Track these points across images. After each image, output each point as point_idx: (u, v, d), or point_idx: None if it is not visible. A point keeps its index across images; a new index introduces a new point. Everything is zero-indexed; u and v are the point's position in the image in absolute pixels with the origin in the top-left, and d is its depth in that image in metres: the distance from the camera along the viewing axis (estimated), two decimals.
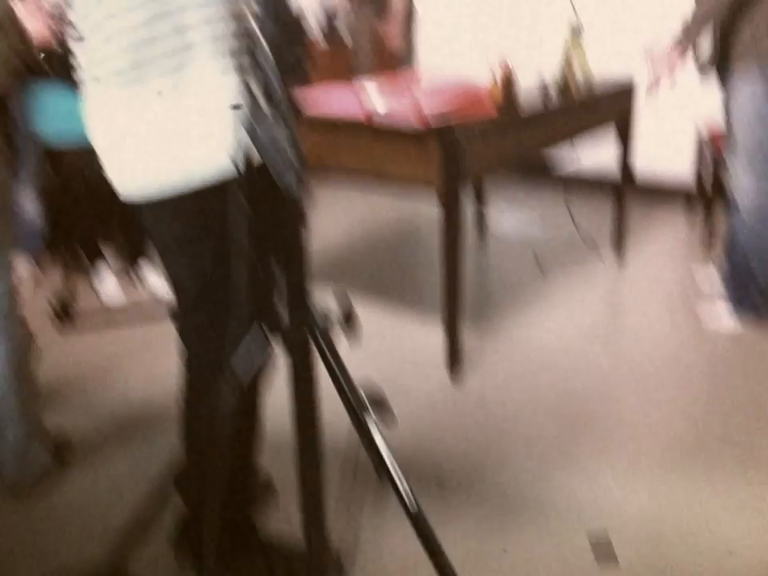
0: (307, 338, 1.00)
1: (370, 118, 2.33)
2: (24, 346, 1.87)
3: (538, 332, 2.76)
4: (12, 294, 1.80)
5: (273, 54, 0.86)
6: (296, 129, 0.85)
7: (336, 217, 4.26)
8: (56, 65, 2.69)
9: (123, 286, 3.17)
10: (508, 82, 2.55)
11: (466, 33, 4.65)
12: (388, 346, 2.67)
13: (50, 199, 3.17)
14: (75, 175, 2.90)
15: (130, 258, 3.16)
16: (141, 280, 3.18)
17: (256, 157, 0.93)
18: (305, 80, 0.90)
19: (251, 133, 0.88)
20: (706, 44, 2.60)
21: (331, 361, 1.00)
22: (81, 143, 2.78)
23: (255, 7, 0.88)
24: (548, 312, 2.93)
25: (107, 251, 3.24)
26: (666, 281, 3.24)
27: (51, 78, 2.72)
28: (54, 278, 3.24)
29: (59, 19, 2.65)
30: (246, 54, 0.88)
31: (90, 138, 1.18)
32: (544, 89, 2.71)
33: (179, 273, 1.21)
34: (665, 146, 4.15)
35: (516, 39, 4.34)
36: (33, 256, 3.22)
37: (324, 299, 1.09)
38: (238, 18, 1.07)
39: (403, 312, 2.97)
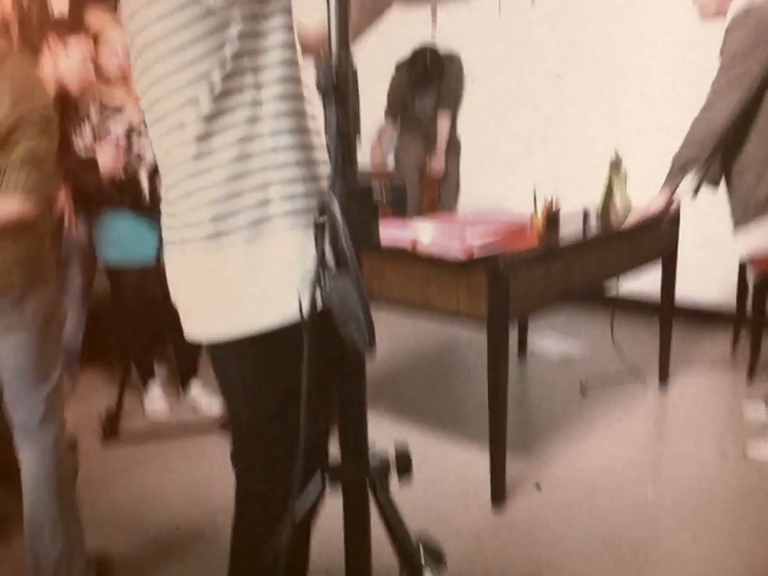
0: (363, 483, 1.02)
1: (414, 246, 2.41)
2: (67, 459, 1.91)
3: (581, 458, 2.72)
4: (60, 399, 1.87)
5: (344, 217, 0.93)
6: (365, 289, 0.91)
7: (379, 339, 4.32)
8: (124, 194, 2.85)
9: (169, 400, 3.23)
10: (550, 213, 2.64)
11: (508, 163, 4.82)
12: (431, 472, 2.64)
13: (107, 316, 3.29)
14: (134, 294, 3.01)
15: (182, 378, 3.22)
16: (188, 397, 3.22)
17: (322, 307, 0.98)
18: (374, 243, 0.97)
19: (322, 291, 0.94)
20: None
21: (386, 508, 1.02)
22: (141, 263, 2.93)
23: (329, 171, 0.96)
24: (591, 437, 2.89)
25: (158, 368, 3.32)
26: (709, 407, 3.19)
27: (118, 206, 2.89)
28: (93, 391, 3.32)
29: (128, 150, 2.84)
30: (319, 214, 0.96)
31: (170, 287, 1.27)
32: (585, 221, 2.78)
33: (240, 410, 1.25)
34: (708, 270, 4.17)
35: (558, 170, 4.49)
36: (68, 371, 3.26)
37: (375, 430, 1.12)
38: (313, 179, 1.16)
39: (446, 435, 2.96)
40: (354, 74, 0.93)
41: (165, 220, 1.22)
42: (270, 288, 1.15)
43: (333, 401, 1.21)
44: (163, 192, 1.21)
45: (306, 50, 1.20)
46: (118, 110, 2.86)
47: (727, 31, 2.54)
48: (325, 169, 1.17)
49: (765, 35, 2.45)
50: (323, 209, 0.95)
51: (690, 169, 2.64)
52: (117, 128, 2.84)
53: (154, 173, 2.83)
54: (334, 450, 1.16)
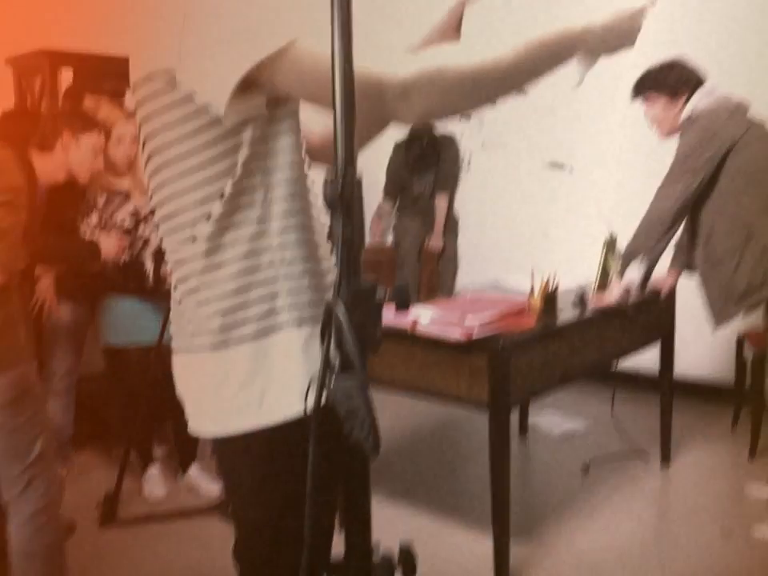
0: None
1: (414, 327, 2.44)
2: (52, 530, 1.92)
3: (585, 539, 2.69)
4: (44, 471, 1.89)
5: (350, 323, 0.96)
6: (370, 395, 0.94)
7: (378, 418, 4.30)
8: (127, 278, 2.90)
9: (168, 482, 3.19)
10: (548, 293, 2.67)
11: (506, 239, 4.89)
12: (432, 557, 2.59)
13: (105, 396, 3.28)
14: (136, 373, 3.02)
15: (182, 462, 3.20)
16: (187, 479, 3.19)
17: (328, 405, 1.00)
18: (378, 344, 1.00)
19: (328, 393, 0.97)
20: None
21: None
22: (144, 343, 2.95)
23: (335, 278, 0.99)
24: (594, 518, 2.86)
25: (157, 449, 3.29)
26: (712, 485, 3.17)
27: (121, 291, 2.93)
28: (90, 472, 3.29)
29: (133, 236, 2.90)
30: (325, 319, 0.99)
31: (176, 383, 1.29)
32: (583, 302, 2.82)
33: (243, 505, 1.25)
34: (707, 344, 4.17)
35: (555, 246, 4.56)
36: (61, 455, 3.16)
37: (375, 513, 1.12)
38: (320, 288, 1.20)
39: (447, 518, 2.93)
40: (359, 181, 0.98)
41: (174, 323, 1.26)
42: (275, 384, 1.17)
43: (337, 497, 1.22)
44: (173, 293, 1.24)
45: (311, 154, 1.26)
46: (125, 197, 2.93)
47: (679, 136, 2.82)
48: (330, 277, 1.21)
49: (704, 139, 2.71)
50: (329, 312, 0.99)
51: (634, 258, 2.79)
52: (123, 214, 2.90)
53: (158, 254, 2.87)
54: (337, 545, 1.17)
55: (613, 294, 2.80)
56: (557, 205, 4.67)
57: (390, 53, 1.06)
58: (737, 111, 2.77)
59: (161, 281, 2.88)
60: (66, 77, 3.80)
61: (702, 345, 4.18)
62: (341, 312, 0.97)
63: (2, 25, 3.78)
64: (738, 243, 2.68)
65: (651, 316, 3.13)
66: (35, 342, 2.83)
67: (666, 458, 3.38)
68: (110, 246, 2.77)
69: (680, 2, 3.99)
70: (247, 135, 1.12)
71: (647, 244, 2.74)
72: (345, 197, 0.93)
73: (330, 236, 1.17)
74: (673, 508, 3.04)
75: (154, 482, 3.14)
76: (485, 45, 1.04)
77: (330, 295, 1.15)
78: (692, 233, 2.88)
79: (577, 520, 2.86)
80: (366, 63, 1.01)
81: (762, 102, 3.02)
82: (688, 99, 2.81)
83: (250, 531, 1.27)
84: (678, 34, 3.90)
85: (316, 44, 1.04)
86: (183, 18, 1.07)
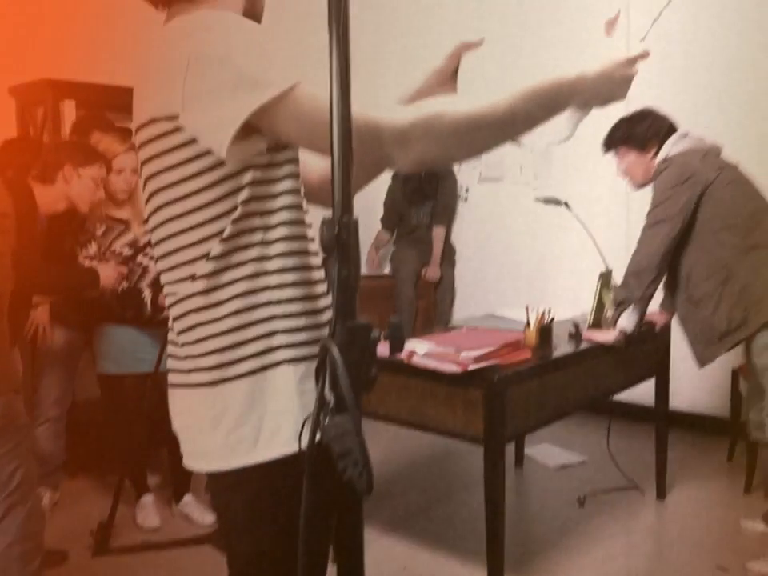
0: None
1: (410, 358, 2.44)
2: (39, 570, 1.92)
3: (579, 574, 2.67)
4: (21, 504, 1.89)
5: (345, 365, 0.97)
6: (363, 435, 0.95)
7: (372, 449, 4.28)
8: (125, 307, 2.91)
9: (161, 511, 3.18)
10: (543, 326, 2.69)
11: (503, 273, 4.91)
12: None
13: (99, 424, 3.27)
14: (132, 400, 3.01)
15: (175, 492, 3.19)
16: (180, 508, 3.18)
17: (321, 443, 1.01)
18: (372, 383, 1.01)
19: (321, 432, 0.98)
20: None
21: None
22: (140, 371, 2.95)
23: (332, 317, 1.01)
24: (589, 551, 2.85)
25: (151, 478, 3.28)
26: (708, 519, 3.16)
27: (119, 320, 2.94)
28: (83, 500, 3.28)
29: (132, 265, 2.91)
30: (320, 360, 1.00)
31: (171, 418, 1.30)
32: (577, 334, 2.83)
33: (237, 540, 1.25)
34: (703, 376, 4.16)
35: (550, 281, 4.58)
36: (50, 482, 3.18)
37: (368, 545, 1.12)
38: (316, 327, 1.21)
39: (441, 550, 2.91)
40: (355, 225, 0.99)
41: (170, 359, 1.27)
42: (270, 421, 1.18)
43: (330, 531, 1.22)
44: (170, 329, 1.26)
45: (308, 194, 1.28)
46: (124, 227, 2.95)
47: (654, 179, 2.83)
48: (327, 315, 1.23)
49: (679, 182, 2.70)
50: (324, 353, 1.00)
51: (625, 307, 2.78)
52: (121, 244, 2.92)
53: (156, 283, 2.89)
54: None
55: (609, 337, 2.80)
56: (553, 238, 4.70)
57: (388, 98, 1.08)
58: (709, 153, 2.79)
59: (158, 310, 2.89)
60: (69, 105, 3.83)
61: (697, 377, 4.17)
62: (336, 354, 0.98)
63: (6, 53, 3.83)
64: (716, 285, 2.67)
65: (646, 351, 3.14)
66: (27, 371, 2.84)
67: (661, 490, 3.37)
68: (108, 274, 2.79)
69: (660, 51, 4.05)
70: (248, 178, 1.14)
71: (637, 293, 2.74)
72: (341, 240, 0.94)
73: (326, 277, 1.19)
74: (668, 541, 3.03)
75: (148, 511, 3.12)
76: (481, 95, 1.07)
77: (326, 332, 1.17)
78: (671, 275, 2.89)
79: (572, 552, 2.85)
80: (364, 108, 1.04)
81: (735, 147, 3.03)
82: (659, 149, 2.84)
83: (243, 565, 1.28)
84: (659, 77, 3.94)
85: (315, 90, 1.06)
86: (187, 63, 1.09)
